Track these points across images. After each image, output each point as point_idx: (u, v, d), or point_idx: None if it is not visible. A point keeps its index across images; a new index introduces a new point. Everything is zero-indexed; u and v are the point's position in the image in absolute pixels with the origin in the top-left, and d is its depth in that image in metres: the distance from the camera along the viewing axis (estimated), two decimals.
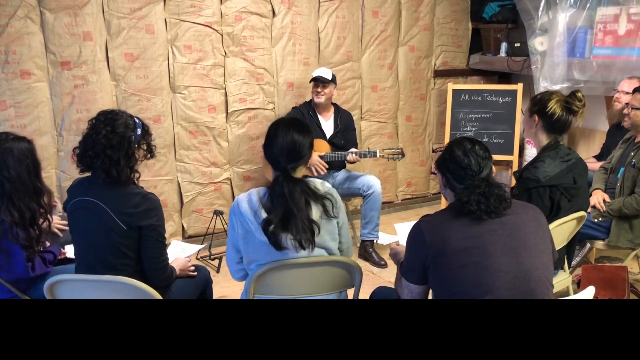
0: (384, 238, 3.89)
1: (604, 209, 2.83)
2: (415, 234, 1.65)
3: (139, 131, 1.96)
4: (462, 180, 1.66)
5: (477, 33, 4.75)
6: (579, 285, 2.77)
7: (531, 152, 4.31)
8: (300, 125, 1.87)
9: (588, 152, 4.07)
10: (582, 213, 2.32)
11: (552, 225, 2.04)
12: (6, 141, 2.05)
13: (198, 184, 3.81)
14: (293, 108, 3.77)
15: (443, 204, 4.38)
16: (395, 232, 4.01)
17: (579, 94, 2.27)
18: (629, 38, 3.47)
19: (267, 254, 1.79)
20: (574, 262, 2.95)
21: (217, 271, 3.45)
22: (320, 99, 3.59)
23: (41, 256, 2.18)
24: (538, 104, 2.33)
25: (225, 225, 3.72)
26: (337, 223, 1.89)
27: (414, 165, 4.74)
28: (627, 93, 3.17)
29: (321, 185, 1.85)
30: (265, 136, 1.86)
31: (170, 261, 2.10)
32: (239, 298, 2.10)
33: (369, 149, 4.16)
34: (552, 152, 2.28)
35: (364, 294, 2.18)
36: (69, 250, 2.36)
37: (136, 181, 1.99)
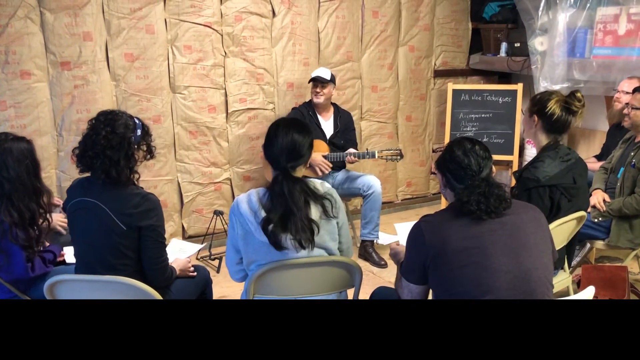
0: (384, 238, 3.89)
1: (604, 208, 2.83)
2: (415, 234, 1.65)
3: (139, 132, 1.96)
4: (462, 180, 1.66)
5: (477, 33, 4.75)
6: (579, 285, 2.77)
7: (531, 152, 4.31)
8: (300, 125, 1.88)
9: (588, 152, 4.07)
10: (582, 213, 2.32)
11: (552, 225, 2.04)
12: (5, 141, 2.05)
13: (198, 184, 3.81)
14: (293, 109, 3.77)
15: (443, 204, 4.38)
16: (396, 232, 4.02)
17: (578, 94, 2.27)
18: (629, 38, 3.47)
19: (267, 254, 1.79)
20: (574, 262, 2.95)
21: (217, 271, 3.45)
22: (320, 99, 3.59)
23: (41, 256, 2.18)
24: (537, 104, 2.33)
25: (225, 226, 3.72)
26: (337, 223, 1.89)
27: (414, 165, 4.74)
28: (627, 93, 3.17)
29: (321, 185, 1.85)
30: (265, 136, 1.87)
31: (170, 261, 2.10)
32: (238, 298, 2.10)
33: (367, 150, 4.16)
34: (551, 152, 2.28)
35: (364, 294, 2.18)
36: (68, 253, 2.36)
37: (136, 182, 1.98)
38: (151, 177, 3.60)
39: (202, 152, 3.77)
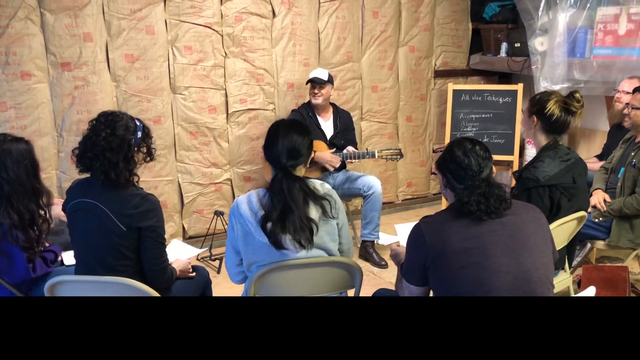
0: (384, 238, 3.90)
1: (605, 208, 2.83)
2: (415, 235, 1.65)
3: (139, 134, 1.95)
4: (462, 180, 1.66)
5: (477, 33, 4.75)
6: (580, 285, 2.77)
7: (532, 152, 4.31)
8: (300, 125, 1.90)
9: (589, 152, 4.07)
10: (582, 213, 2.31)
11: (552, 226, 2.04)
12: (4, 142, 2.04)
13: (198, 184, 3.81)
14: (293, 111, 3.76)
15: (443, 204, 4.37)
16: (396, 233, 4.03)
17: (577, 95, 2.27)
18: (629, 38, 3.47)
19: (267, 255, 1.79)
20: (574, 262, 2.95)
21: (218, 272, 3.45)
22: (318, 100, 3.59)
23: (42, 256, 2.18)
24: (537, 105, 2.33)
25: (225, 226, 3.72)
26: (337, 224, 1.89)
27: (414, 165, 4.74)
28: (628, 93, 3.17)
29: (321, 186, 1.85)
30: (265, 137, 1.87)
31: (170, 262, 2.10)
32: None
33: (367, 149, 4.16)
34: (551, 152, 2.28)
35: (365, 295, 2.18)
36: (65, 255, 2.36)
37: (135, 184, 1.98)
38: (151, 177, 3.61)
39: (202, 152, 3.77)
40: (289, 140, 1.80)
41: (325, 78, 3.54)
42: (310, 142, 1.87)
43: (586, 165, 2.41)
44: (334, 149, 3.60)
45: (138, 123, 1.98)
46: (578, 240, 2.66)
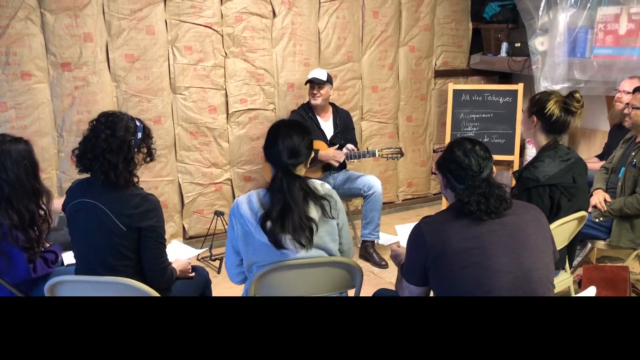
0: (384, 238, 3.90)
1: (605, 208, 2.83)
2: (415, 235, 1.65)
3: (139, 135, 1.95)
4: (462, 180, 1.66)
5: (477, 33, 4.75)
6: (580, 285, 2.76)
7: (532, 152, 4.30)
8: (300, 126, 1.91)
9: (589, 152, 4.07)
10: (583, 213, 2.31)
11: (553, 226, 2.04)
12: (3, 143, 2.04)
13: (199, 184, 3.81)
14: (292, 112, 3.76)
15: (444, 204, 4.37)
16: (396, 233, 4.03)
17: (577, 95, 2.27)
18: (629, 38, 3.46)
19: (268, 255, 1.79)
20: (575, 262, 2.95)
21: (218, 272, 3.45)
22: (317, 101, 3.58)
23: (43, 257, 2.18)
24: (536, 105, 2.33)
25: (226, 226, 3.71)
26: (337, 224, 1.89)
27: (414, 165, 4.74)
28: (629, 93, 3.17)
29: (321, 186, 1.86)
30: (265, 137, 1.87)
31: (170, 262, 2.10)
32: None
33: (367, 149, 4.16)
34: (551, 152, 2.28)
35: (365, 295, 2.18)
36: (66, 257, 2.36)
37: (135, 184, 1.98)
38: (152, 177, 3.61)
39: (202, 152, 3.77)
40: (289, 140, 1.80)
41: (324, 78, 3.54)
42: (311, 142, 1.88)
43: (586, 165, 2.41)
44: (336, 148, 3.59)
45: (138, 124, 1.97)
46: (578, 240, 2.66)
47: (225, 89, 3.76)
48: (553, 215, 2.23)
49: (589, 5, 3.64)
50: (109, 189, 1.89)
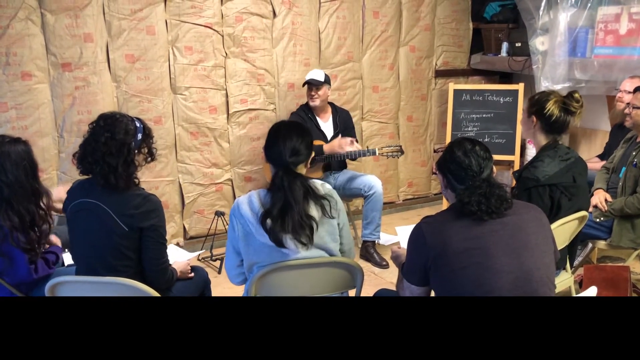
0: (385, 238, 3.90)
1: (606, 208, 2.82)
2: (416, 236, 1.65)
3: (139, 136, 1.95)
4: (462, 180, 1.65)
5: (478, 33, 4.75)
6: (581, 285, 2.76)
7: (532, 152, 4.29)
8: (300, 126, 1.92)
9: (590, 151, 4.07)
10: (584, 213, 2.31)
11: (554, 225, 2.04)
12: (2, 145, 2.03)
13: (199, 185, 3.81)
14: (292, 113, 3.74)
15: (444, 204, 4.37)
16: (397, 234, 4.03)
17: (576, 95, 2.27)
18: (630, 37, 3.46)
19: (268, 255, 1.79)
20: (576, 262, 2.95)
21: (219, 272, 3.45)
22: (315, 102, 3.58)
23: (44, 257, 2.17)
24: (536, 105, 2.32)
25: (226, 226, 3.71)
26: (338, 224, 1.89)
27: (415, 165, 4.74)
28: (629, 92, 3.16)
29: (321, 186, 1.86)
30: (266, 138, 1.88)
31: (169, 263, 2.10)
32: None
33: (367, 147, 4.15)
34: (551, 152, 2.28)
35: (366, 295, 2.18)
36: (66, 257, 2.36)
37: (136, 184, 1.98)
38: (152, 178, 3.61)
39: (203, 153, 3.77)
40: (289, 140, 1.81)
41: (322, 79, 3.53)
42: (311, 142, 1.89)
43: (586, 164, 2.41)
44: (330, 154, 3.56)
45: (138, 124, 1.97)
46: (579, 240, 2.65)
47: (226, 89, 3.76)
48: (553, 215, 2.23)
49: (589, 5, 3.63)
50: (110, 190, 1.89)
